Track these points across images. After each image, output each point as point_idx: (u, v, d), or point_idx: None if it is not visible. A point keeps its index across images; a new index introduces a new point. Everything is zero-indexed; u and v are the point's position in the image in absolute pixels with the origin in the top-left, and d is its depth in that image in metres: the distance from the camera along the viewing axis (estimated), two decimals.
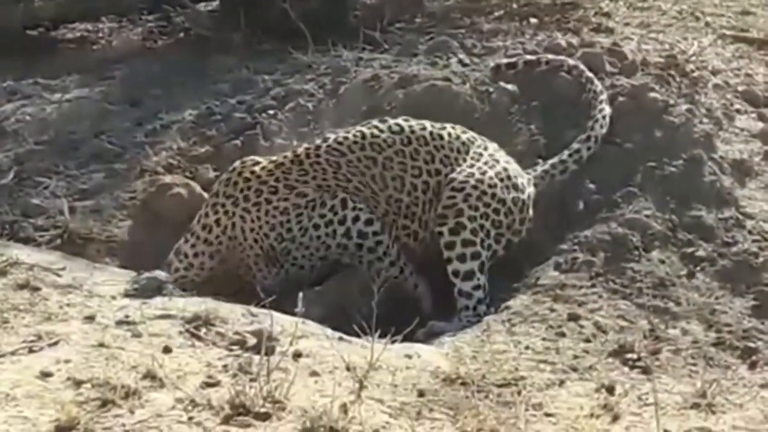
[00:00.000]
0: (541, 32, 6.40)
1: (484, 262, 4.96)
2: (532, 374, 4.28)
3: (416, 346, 4.50)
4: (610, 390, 4.19)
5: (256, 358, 4.10)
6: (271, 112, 5.98)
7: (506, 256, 5.09)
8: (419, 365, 4.28)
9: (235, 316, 4.50)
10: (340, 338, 4.43)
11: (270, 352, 4.13)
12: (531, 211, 5.16)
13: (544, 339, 4.55)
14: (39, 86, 6.75)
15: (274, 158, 5.16)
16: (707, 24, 6.96)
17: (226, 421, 3.78)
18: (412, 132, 5.12)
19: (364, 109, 5.80)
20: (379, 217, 5.03)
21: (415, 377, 4.19)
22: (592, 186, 5.29)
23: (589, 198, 5.26)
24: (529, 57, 5.89)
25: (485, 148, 5.16)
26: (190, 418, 3.79)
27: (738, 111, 5.81)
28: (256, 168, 5.09)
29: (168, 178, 5.62)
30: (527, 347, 4.49)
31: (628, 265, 4.94)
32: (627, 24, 6.75)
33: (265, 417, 3.81)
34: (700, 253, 5.01)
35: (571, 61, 5.76)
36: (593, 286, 4.86)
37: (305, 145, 5.21)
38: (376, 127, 5.14)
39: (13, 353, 4.14)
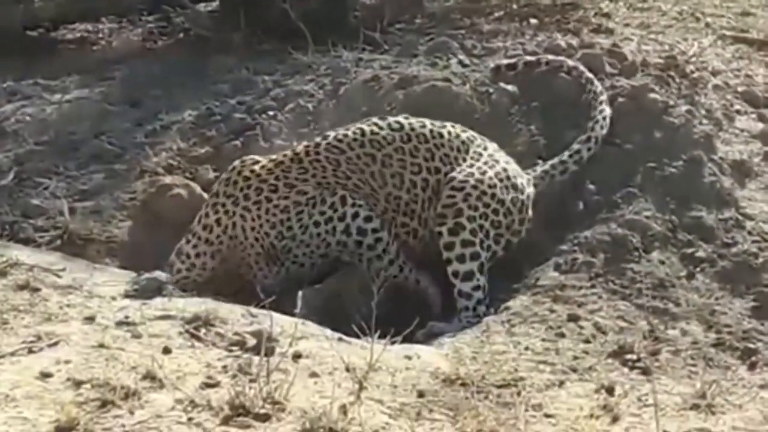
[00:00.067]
0: (541, 33, 6.40)
1: (484, 262, 4.96)
2: (532, 375, 4.28)
3: (416, 346, 4.50)
4: (610, 391, 4.19)
5: (256, 358, 4.11)
6: (271, 112, 5.98)
7: (506, 257, 5.09)
8: (419, 366, 4.28)
9: (234, 317, 4.50)
10: (340, 339, 4.43)
11: (270, 352, 4.13)
12: (530, 212, 5.16)
13: (543, 340, 4.55)
14: (39, 87, 6.75)
15: (273, 157, 5.17)
16: (707, 25, 6.96)
17: (225, 421, 3.78)
18: (412, 129, 5.12)
19: (364, 109, 5.79)
20: (379, 214, 5.03)
21: (415, 378, 4.19)
22: (591, 187, 5.29)
23: (589, 199, 5.26)
24: (529, 58, 5.89)
25: (485, 148, 5.16)
26: (190, 419, 3.79)
27: (738, 112, 5.81)
28: (256, 167, 5.10)
29: (168, 179, 5.62)
30: (527, 348, 4.49)
31: (627, 266, 4.94)
32: (627, 25, 6.75)
33: (264, 418, 3.81)
34: (700, 254, 5.01)
35: (570, 62, 5.77)
36: (593, 286, 4.86)
37: (305, 143, 5.21)
38: (375, 124, 5.14)
39: (12, 354, 4.14)
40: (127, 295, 4.72)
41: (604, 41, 6.18)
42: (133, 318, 4.44)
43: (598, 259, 4.97)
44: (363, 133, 5.10)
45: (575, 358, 4.43)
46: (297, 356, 4.21)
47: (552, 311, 4.73)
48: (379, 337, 4.23)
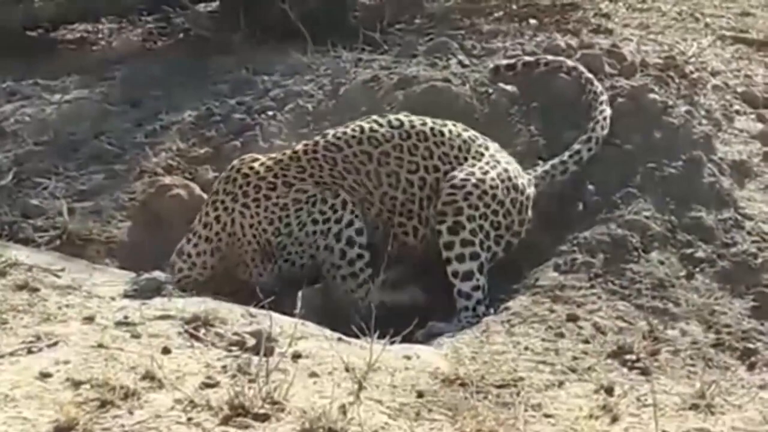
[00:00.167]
0: (540, 33, 6.39)
1: (483, 262, 4.96)
2: (531, 375, 4.28)
3: (415, 346, 4.50)
4: (609, 391, 4.19)
5: (255, 358, 4.11)
6: (270, 113, 5.98)
7: (506, 257, 5.09)
8: (418, 366, 4.28)
9: (234, 317, 4.50)
10: (339, 339, 4.43)
11: (269, 352, 4.13)
12: (530, 213, 5.16)
13: (543, 340, 4.55)
14: (39, 87, 6.75)
15: (273, 155, 5.17)
16: (707, 25, 6.96)
17: (225, 421, 3.78)
18: (412, 127, 5.12)
19: (364, 110, 5.79)
20: (374, 217, 5.02)
21: (414, 378, 4.19)
22: (591, 187, 5.29)
23: (589, 199, 5.26)
24: (528, 58, 5.88)
25: (486, 148, 5.16)
26: (189, 419, 3.79)
27: (737, 112, 5.81)
28: (255, 164, 5.11)
29: (167, 179, 5.62)
30: (526, 348, 4.49)
31: (627, 266, 4.94)
32: (626, 25, 6.75)
33: (264, 418, 3.81)
34: (700, 254, 5.01)
35: (570, 63, 5.76)
36: (592, 287, 4.86)
37: (304, 141, 5.21)
38: (375, 121, 5.14)
39: (12, 354, 4.14)
40: (126, 296, 4.72)
41: (603, 42, 6.18)
42: (132, 318, 4.44)
43: (598, 259, 4.97)
44: (362, 131, 5.10)
45: (575, 358, 4.43)
46: (296, 356, 4.21)
47: (551, 311, 4.73)
48: (379, 337, 4.23)
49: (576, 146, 5.34)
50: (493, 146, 5.21)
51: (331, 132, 5.16)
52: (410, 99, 5.74)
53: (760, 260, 4.99)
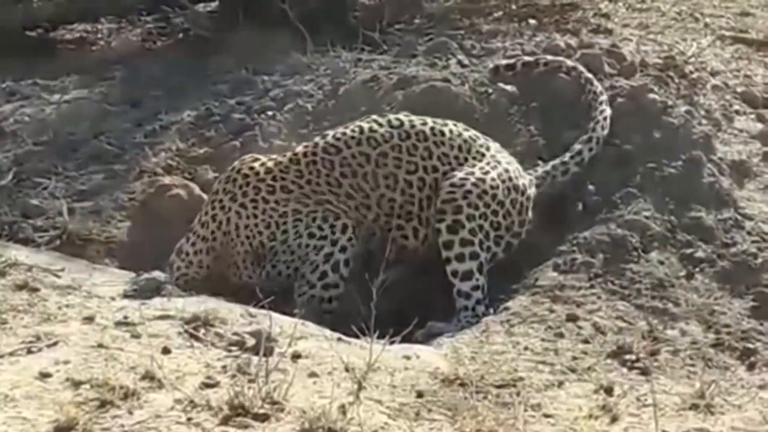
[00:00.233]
0: (540, 33, 6.39)
1: (483, 262, 4.96)
2: (531, 375, 4.28)
3: (415, 347, 4.50)
4: (609, 391, 4.19)
5: (255, 358, 4.11)
6: (270, 113, 5.98)
7: (505, 257, 5.08)
8: (418, 366, 4.28)
9: (234, 317, 4.50)
10: (339, 339, 4.43)
11: (269, 352, 4.13)
12: (531, 213, 5.15)
13: (542, 340, 4.55)
14: (38, 87, 6.76)
15: (273, 156, 5.17)
16: (706, 25, 6.96)
17: (224, 421, 3.78)
18: (412, 127, 5.11)
19: (363, 110, 5.79)
20: (371, 223, 5.01)
21: (414, 378, 4.19)
22: (591, 187, 5.29)
23: (588, 199, 5.27)
24: (527, 58, 5.89)
25: (488, 148, 5.15)
26: (189, 419, 3.79)
27: (737, 112, 5.81)
28: (255, 164, 5.10)
29: (167, 179, 5.62)
30: (526, 348, 4.49)
31: (627, 266, 4.94)
32: (626, 25, 6.76)
33: (263, 418, 3.80)
34: (699, 254, 5.01)
35: (569, 62, 5.76)
36: (592, 287, 4.86)
37: (305, 143, 5.20)
38: (375, 121, 5.13)
39: (11, 354, 4.14)
40: (126, 296, 4.72)
41: (603, 41, 6.18)
42: (132, 318, 4.44)
43: (598, 259, 4.97)
44: (361, 131, 5.09)
45: (574, 358, 4.43)
46: (296, 356, 4.21)
47: (551, 311, 4.73)
48: (378, 337, 4.23)
49: (577, 146, 5.34)
50: (494, 146, 5.20)
51: (330, 133, 5.15)
52: (410, 99, 5.74)
53: (759, 260, 4.99)
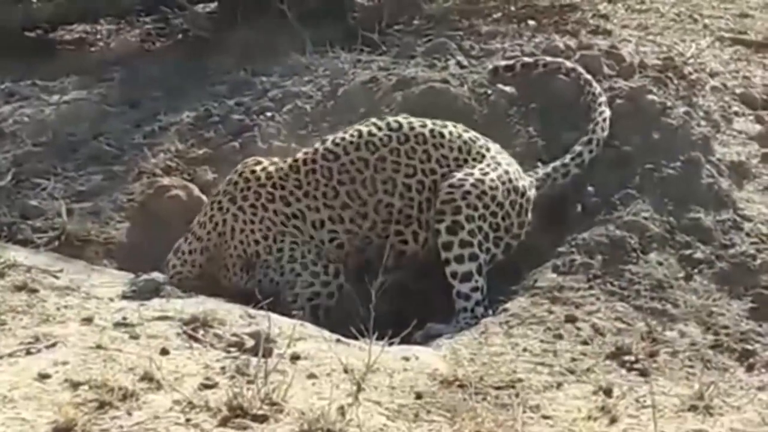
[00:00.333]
0: (539, 34, 6.39)
1: (482, 263, 4.96)
2: (530, 376, 4.28)
3: (414, 348, 4.50)
4: (608, 392, 4.19)
5: (254, 360, 4.11)
6: (269, 114, 5.98)
7: (504, 259, 5.08)
8: (417, 367, 4.28)
9: (232, 318, 4.50)
10: (338, 340, 4.43)
11: (268, 354, 4.13)
12: (530, 215, 5.15)
13: (541, 341, 4.55)
14: (37, 88, 6.76)
15: (276, 160, 5.16)
16: (705, 26, 6.97)
17: (223, 423, 3.78)
18: (411, 129, 5.09)
19: (362, 111, 5.80)
20: (366, 231, 5.00)
21: (413, 379, 4.19)
22: (590, 188, 5.29)
23: (587, 200, 5.27)
24: (527, 59, 5.88)
25: (488, 149, 5.15)
26: (188, 420, 3.79)
27: (736, 113, 5.81)
28: (257, 168, 5.10)
29: (166, 180, 5.62)
30: (525, 349, 4.49)
31: (625, 267, 4.94)
32: (625, 26, 6.76)
33: (262, 419, 3.80)
34: (698, 255, 5.01)
35: (568, 64, 5.76)
36: (591, 288, 4.86)
37: (305, 150, 5.19)
38: (374, 124, 5.12)
39: (10, 355, 4.14)
40: (124, 297, 4.72)
41: (602, 43, 6.18)
42: (130, 319, 4.44)
43: (596, 260, 4.97)
44: (360, 135, 5.08)
45: (573, 359, 4.43)
46: (295, 357, 4.21)
47: (550, 313, 4.73)
48: (377, 339, 4.23)
49: (577, 148, 5.33)
50: (495, 147, 5.20)
51: (330, 138, 5.13)
52: (409, 100, 5.74)
53: (758, 261, 4.99)
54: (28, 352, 4.17)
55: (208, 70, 6.65)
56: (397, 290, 5.00)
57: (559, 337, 4.58)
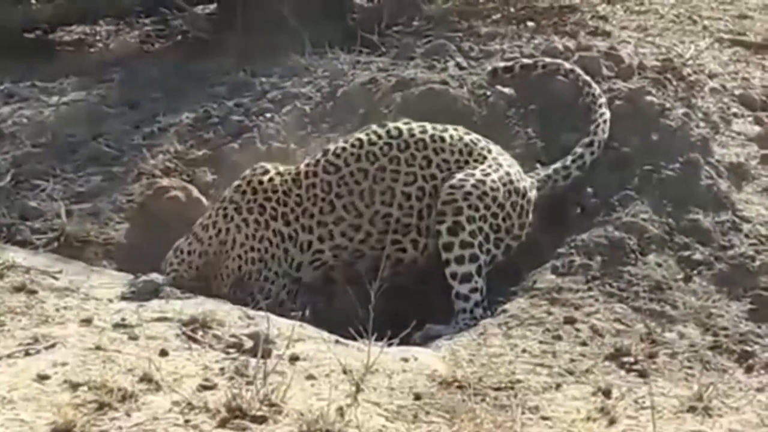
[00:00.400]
0: (538, 36, 6.40)
1: (482, 265, 4.95)
2: (529, 377, 4.28)
3: (413, 349, 4.50)
4: (607, 393, 4.19)
5: (253, 361, 4.11)
6: (268, 115, 5.98)
7: (504, 260, 5.08)
8: (416, 368, 4.28)
9: (231, 319, 4.50)
10: (337, 341, 4.43)
11: (267, 355, 4.13)
12: (531, 216, 5.15)
13: (540, 342, 4.55)
14: (36, 89, 6.76)
15: (281, 170, 5.13)
16: (704, 28, 6.97)
17: (222, 424, 3.78)
18: (411, 136, 5.09)
19: (362, 112, 5.80)
20: (357, 244, 5.00)
21: (412, 380, 4.19)
22: (589, 189, 5.29)
23: (587, 201, 5.26)
24: (526, 60, 5.88)
25: (489, 151, 5.15)
26: (187, 421, 3.79)
27: (735, 115, 5.81)
28: (264, 179, 5.08)
29: (165, 181, 5.62)
30: (524, 350, 4.49)
31: (624, 269, 4.94)
32: (624, 27, 6.76)
33: (261, 420, 3.81)
34: (697, 256, 5.01)
35: (568, 65, 5.76)
36: (590, 289, 4.86)
37: (307, 160, 5.16)
38: (375, 132, 5.11)
39: (9, 356, 4.14)
40: (124, 298, 4.72)
41: (601, 44, 6.18)
42: (130, 320, 4.44)
43: (595, 261, 4.97)
44: (361, 145, 5.07)
45: (572, 360, 4.43)
46: (294, 358, 4.21)
47: (549, 314, 4.73)
48: (376, 340, 4.23)
49: (578, 150, 5.32)
50: (496, 149, 5.19)
51: (332, 148, 5.11)
52: (408, 101, 5.74)
53: (757, 263, 4.99)
54: (27, 353, 4.17)
55: (208, 71, 6.65)
56: (396, 291, 4.99)
57: (558, 338, 4.58)
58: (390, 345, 4.29)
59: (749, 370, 4.46)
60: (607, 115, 5.44)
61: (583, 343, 4.55)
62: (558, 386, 4.24)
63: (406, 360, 4.33)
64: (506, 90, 5.75)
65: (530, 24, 6.62)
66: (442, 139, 5.09)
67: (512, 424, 3.94)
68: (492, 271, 5.02)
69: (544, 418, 4.02)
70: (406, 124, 5.15)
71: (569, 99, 5.64)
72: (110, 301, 4.68)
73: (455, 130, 5.16)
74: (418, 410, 4.00)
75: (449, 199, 4.96)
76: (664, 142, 5.44)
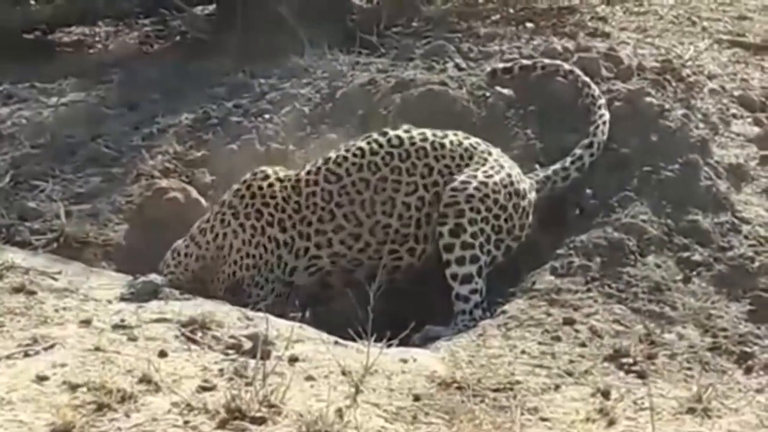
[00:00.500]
0: (537, 37, 6.40)
1: (482, 266, 4.95)
2: (528, 378, 4.28)
3: (412, 350, 4.50)
4: (606, 394, 4.19)
5: (252, 362, 4.10)
6: (267, 116, 5.98)
7: (503, 261, 5.08)
8: (415, 369, 4.28)
9: (231, 320, 4.50)
10: (336, 342, 4.43)
11: (266, 356, 4.13)
12: (531, 217, 5.15)
13: (539, 343, 4.55)
14: (36, 90, 6.76)
15: (281, 175, 5.12)
16: (704, 29, 6.97)
17: (221, 425, 3.78)
18: (412, 144, 5.07)
19: (361, 113, 5.80)
20: (356, 254, 5.00)
21: (411, 381, 4.19)
22: (588, 190, 5.29)
23: (586, 202, 5.27)
24: (525, 61, 5.88)
25: (489, 154, 5.14)
26: (186, 422, 3.79)
27: (734, 116, 5.81)
28: (264, 184, 5.08)
29: (164, 182, 5.62)
30: (523, 351, 4.49)
31: (624, 270, 4.94)
32: (623, 28, 6.76)
33: (260, 421, 3.80)
34: (696, 257, 5.01)
35: (567, 66, 5.76)
36: (589, 290, 4.86)
37: (308, 166, 5.15)
38: (376, 141, 5.09)
39: (8, 357, 4.14)
40: (123, 299, 4.72)
41: (600, 45, 6.19)
42: (129, 321, 4.43)
43: (595, 262, 4.97)
44: (363, 154, 5.06)
45: (571, 361, 4.43)
46: (293, 359, 4.21)
47: (548, 315, 4.73)
48: (376, 341, 4.23)
49: (578, 151, 5.32)
50: (496, 152, 5.19)
51: (333, 156, 5.09)
52: (407, 102, 5.74)
53: (756, 264, 4.99)
54: (26, 354, 4.16)
55: (207, 72, 6.65)
56: (396, 292, 4.99)
57: (557, 339, 4.58)
58: (389, 346, 4.29)
59: (748, 371, 4.46)
60: (607, 116, 5.45)
61: (582, 344, 4.55)
62: (557, 387, 4.24)
63: (405, 361, 4.33)
64: (505, 91, 5.75)
65: (529, 25, 6.63)
66: (443, 146, 5.08)
67: (511, 425, 3.94)
68: (491, 272, 5.02)
69: (543, 419, 4.02)
70: (406, 132, 5.12)
71: (568, 100, 5.64)
72: (109, 302, 4.68)
73: (455, 135, 5.15)
74: (417, 411, 4.00)
75: (451, 202, 4.96)
76: (663, 143, 5.44)
